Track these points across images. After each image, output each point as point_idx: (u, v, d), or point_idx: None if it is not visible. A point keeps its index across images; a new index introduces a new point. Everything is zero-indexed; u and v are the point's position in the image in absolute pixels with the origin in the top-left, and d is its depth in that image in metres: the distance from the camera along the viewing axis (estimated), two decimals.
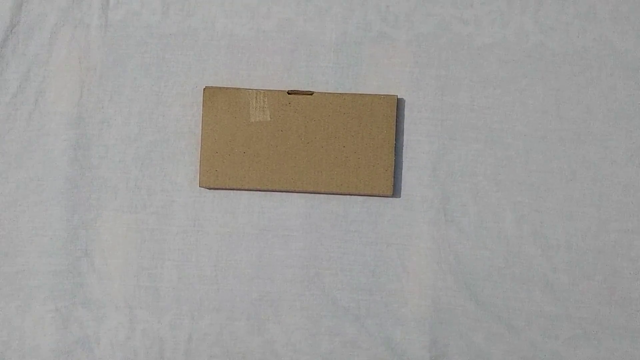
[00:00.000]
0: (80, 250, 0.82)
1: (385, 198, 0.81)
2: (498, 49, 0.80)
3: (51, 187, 0.82)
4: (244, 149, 0.79)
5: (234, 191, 0.81)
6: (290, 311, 0.81)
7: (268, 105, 0.79)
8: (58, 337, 0.82)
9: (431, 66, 0.80)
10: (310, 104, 0.79)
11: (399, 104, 0.80)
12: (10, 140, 0.82)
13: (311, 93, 0.79)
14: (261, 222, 0.81)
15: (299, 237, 0.81)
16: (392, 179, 0.78)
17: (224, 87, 0.79)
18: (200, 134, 0.80)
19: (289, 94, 0.79)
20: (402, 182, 0.80)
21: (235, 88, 0.79)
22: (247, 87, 0.80)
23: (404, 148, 0.80)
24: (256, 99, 0.79)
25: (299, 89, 0.80)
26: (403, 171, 0.80)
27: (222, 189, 0.81)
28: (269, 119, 0.79)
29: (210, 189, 0.81)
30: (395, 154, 0.79)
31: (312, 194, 0.81)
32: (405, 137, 0.80)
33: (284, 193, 0.81)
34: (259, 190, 0.81)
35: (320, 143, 0.78)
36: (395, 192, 0.80)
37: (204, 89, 0.79)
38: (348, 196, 0.81)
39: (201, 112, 0.80)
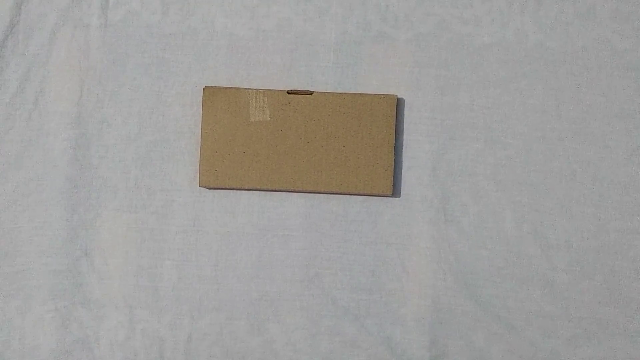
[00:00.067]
0: (80, 250, 0.82)
1: (385, 198, 0.81)
2: (498, 49, 0.80)
3: (51, 187, 0.82)
4: (243, 148, 0.79)
5: (234, 191, 0.81)
6: (290, 311, 0.81)
7: (268, 105, 0.79)
8: (58, 337, 0.82)
9: (431, 66, 0.80)
10: (310, 103, 0.79)
11: (399, 103, 0.80)
12: (10, 140, 0.82)
13: (311, 93, 0.79)
14: (261, 221, 0.81)
15: (299, 237, 0.81)
16: (392, 179, 0.78)
17: (223, 87, 0.79)
18: (200, 134, 0.80)
19: (288, 93, 0.79)
20: (402, 181, 0.80)
21: (235, 88, 0.79)
22: (247, 87, 0.81)
23: (403, 148, 0.80)
24: (256, 98, 0.79)
25: (299, 89, 0.80)
26: (403, 171, 0.80)
27: (222, 188, 0.81)
28: (269, 118, 0.79)
29: (210, 188, 0.81)
30: (395, 154, 0.79)
31: (312, 194, 0.81)
32: (405, 136, 0.80)
33: (284, 193, 0.81)
34: (259, 190, 0.81)
35: (320, 143, 0.78)
36: (395, 191, 0.80)
37: (204, 88, 0.79)
38: (348, 196, 0.81)
39: (201, 112, 0.80)
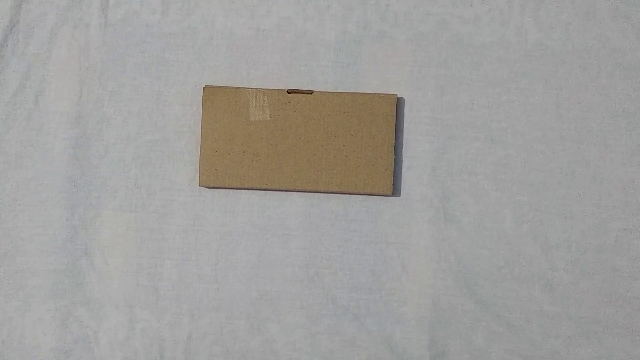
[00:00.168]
0: (80, 250, 0.82)
1: (385, 197, 0.81)
2: (498, 48, 0.80)
3: (51, 187, 0.82)
4: (243, 148, 0.79)
5: (234, 190, 0.81)
6: (290, 310, 0.81)
7: (268, 104, 0.79)
8: (58, 336, 0.82)
9: (431, 65, 0.80)
10: (309, 103, 0.79)
11: (399, 103, 0.80)
12: (10, 139, 0.82)
13: (311, 92, 0.79)
14: (261, 221, 0.81)
15: (299, 236, 0.81)
16: (392, 178, 0.78)
17: (223, 86, 0.79)
18: (199, 133, 0.80)
19: (288, 93, 0.79)
20: (402, 181, 0.80)
21: (234, 87, 0.79)
22: (247, 86, 0.81)
23: (403, 147, 0.80)
24: (256, 98, 0.79)
25: (299, 88, 0.80)
26: (403, 170, 0.80)
27: (222, 188, 0.81)
28: (269, 118, 0.79)
29: (210, 188, 0.81)
30: (395, 153, 0.79)
31: (312, 193, 0.81)
32: (405, 136, 0.80)
33: (284, 192, 0.81)
34: (259, 190, 0.81)
35: (320, 142, 0.78)
36: (395, 191, 0.80)
37: (204, 88, 0.79)
38: (348, 195, 0.81)
39: (201, 111, 0.80)
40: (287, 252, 0.81)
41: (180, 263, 0.81)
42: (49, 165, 0.82)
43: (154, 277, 0.81)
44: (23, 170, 0.82)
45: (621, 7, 0.80)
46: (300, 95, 0.79)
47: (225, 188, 0.81)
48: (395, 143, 0.79)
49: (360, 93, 0.79)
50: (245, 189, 0.80)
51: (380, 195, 0.80)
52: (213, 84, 0.81)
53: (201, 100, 0.80)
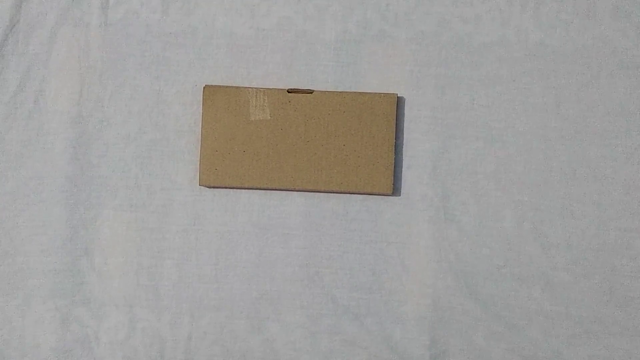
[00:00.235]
0: (80, 249, 0.82)
1: (385, 196, 0.80)
2: (498, 48, 0.80)
3: (51, 186, 0.82)
4: (243, 147, 0.79)
5: (234, 190, 0.81)
6: (290, 310, 0.81)
7: (268, 103, 0.79)
8: (58, 336, 0.82)
9: (431, 64, 0.80)
10: (310, 102, 0.79)
11: (399, 102, 0.80)
12: (11, 139, 0.82)
13: (311, 91, 0.79)
14: (261, 220, 0.81)
15: (299, 236, 0.81)
16: (392, 178, 0.78)
17: (223, 86, 0.79)
18: (200, 133, 0.80)
19: (288, 92, 0.79)
20: (402, 180, 0.80)
21: (235, 86, 0.79)
22: (247, 86, 0.81)
23: (404, 146, 0.80)
24: (256, 97, 0.79)
25: (299, 88, 0.80)
26: (403, 170, 0.80)
27: (222, 187, 0.81)
28: (269, 117, 0.79)
29: (210, 187, 0.81)
30: (395, 153, 0.79)
31: (312, 193, 0.81)
32: (405, 135, 0.80)
33: (284, 192, 0.81)
34: (259, 189, 0.81)
35: (320, 141, 0.78)
36: (395, 190, 0.80)
37: (204, 87, 0.79)
38: (348, 195, 0.81)
39: (201, 111, 0.80)
40: (287, 252, 0.81)
41: (180, 262, 0.81)
42: (49, 164, 0.82)
43: (154, 277, 0.81)
44: (23, 170, 0.82)
45: (621, 6, 0.80)
46: (300, 95, 0.79)
47: (226, 187, 0.81)
48: (395, 142, 0.79)
49: (360, 92, 0.79)
50: (245, 188, 0.80)
51: (380, 195, 0.80)
52: (213, 84, 0.81)
53: (201, 99, 0.80)
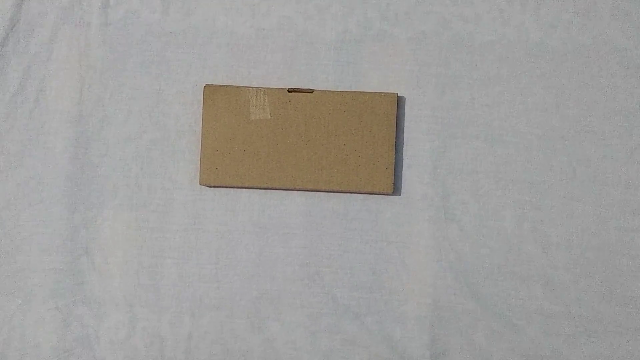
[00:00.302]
0: (81, 249, 0.82)
1: (386, 196, 0.81)
2: (498, 47, 0.80)
3: (51, 186, 0.82)
4: (244, 147, 0.79)
5: (234, 189, 0.81)
6: (291, 309, 0.81)
7: (268, 103, 0.79)
8: (58, 335, 0.82)
9: (431, 64, 0.80)
10: (310, 102, 0.79)
11: (400, 101, 0.80)
12: (11, 138, 0.82)
13: (311, 91, 0.79)
14: (261, 220, 0.81)
15: (299, 235, 0.81)
16: (393, 177, 0.78)
17: (224, 85, 0.79)
18: (200, 132, 0.80)
19: (289, 92, 0.79)
20: (403, 180, 0.80)
21: (235, 86, 0.79)
22: (248, 85, 0.81)
23: (404, 146, 0.80)
24: (256, 97, 0.79)
25: (299, 87, 0.80)
26: (403, 169, 0.80)
27: (223, 187, 0.81)
28: (269, 117, 0.79)
29: (210, 187, 0.81)
30: (395, 152, 0.79)
31: (313, 192, 0.81)
32: (405, 134, 0.80)
33: (284, 191, 0.81)
34: (259, 188, 0.81)
35: (321, 141, 0.78)
36: (396, 190, 0.80)
37: (204, 87, 0.79)
38: (348, 194, 0.81)
39: (201, 110, 0.80)
40: (288, 251, 0.81)
41: (180, 262, 0.81)
42: (49, 164, 0.82)
43: (155, 276, 0.82)
44: (24, 169, 0.82)
45: (621, 5, 0.80)
46: (300, 94, 0.79)
47: (226, 187, 0.81)
48: (395, 142, 0.79)
49: (360, 92, 0.79)
50: (245, 187, 0.81)
51: (380, 194, 0.80)
52: (214, 83, 0.81)
53: (202, 99, 0.80)
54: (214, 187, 0.81)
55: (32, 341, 0.82)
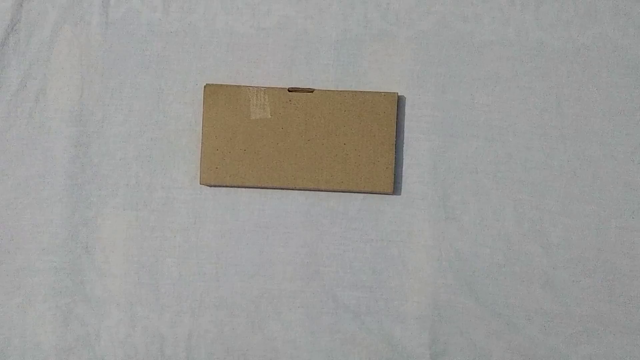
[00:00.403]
0: (81, 248, 0.82)
1: (386, 195, 0.81)
2: (498, 47, 0.80)
3: (52, 185, 0.82)
4: (244, 146, 0.79)
5: (235, 188, 0.81)
6: (291, 308, 0.81)
7: (268, 102, 0.79)
8: (59, 334, 0.82)
9: (432, 64, 0.80)
10: (310, 101, 0.79)
11: (400, 101, 0.80)
12: (11, 137, 0.82)
13: (312, 90, 0.79)
14: (261, 219, 0.81)
15: (299, 235, 0.81)
16: (393, 177, 0.78)
17: (224, 85, 0.79)
18: (200, 132, 0.81)
19: (289, 91, 0.79)
20: (403, 179, 0.80)
21: (235, 85, 0.79)
22: (248, 85, 0.81)
23: (404, 145, 0.80)
24: (257, 96, 0.79)
25: (300, 87, 0.80)
26: (403, 168, 0.80)
27: (223, 186, 0.81)
28: (270, 116, 0.79)
29: (210, 186, 0.81)
30: (395, 152, 0.79)
31: (313, 192, 0.81)
32: (405, 134, 0.81)
33: (285, 190, 0.81)
34: (260, 188, 0.81)
35: (321, 140, 0.78)
36: (396, 189, 0.80)
37: (205, 86, 0.79)
38: (348, 193, 0.81)
39: (202, 110, 0.80)
40: (288, 250, 0.81)
41: (181, 261, 0.82)
42: (50, 163, 0.82)
43: (155, 275, 0.82)
44: (24, 168, 0.82)
45: (622, 5, 0.80)
46: (301, 94, 0.79)
47: (226, 186, 0.81)
48: (396, 141, 0.79)
49: (361, 91, 0.79)
50: (246, 187, 0.81)
51: (380, 194, 0.80)
52: (214, 82, 0.81)
53: (202, 98, 0.80)
54: (215, 186, 0.81)
55: (32, 340, 0.82)
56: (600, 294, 0.79)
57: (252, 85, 0.81)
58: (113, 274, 0.82)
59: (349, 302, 0.80)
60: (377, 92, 0.79)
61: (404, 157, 0.80)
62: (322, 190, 0.80)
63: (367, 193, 0.80)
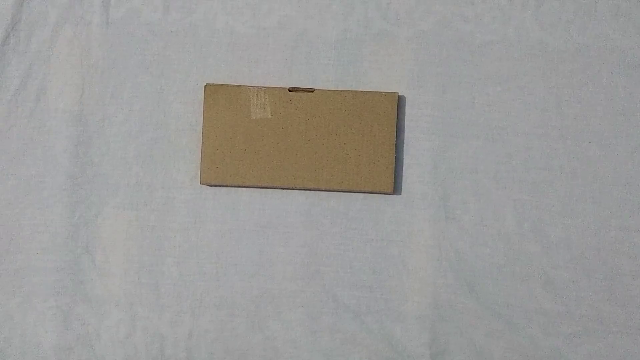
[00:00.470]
0: (81, 247, 0.82)
1: (386, 195, 0.81)
2: (499, 47, 0.80)
3: (52, 184, 0.82)
4: (244, 146, 0.79)
5: (235, 188, 0.81)
6: (291, 308, 0.81)
7: (269, 102, 0.79)
8: (59, 334, 0.82)
9: (432, 63, 0.80)
10: (311, 101, 0.79)
11: (400, 101, 0.80)
12: (12, 137, 0.82)
13: (312, 90, 0.79)
14: (262, 219, 0.81)
15: (300, 234, 0.81)
16: (393, 176, 0.78)
17: (225, 85, 0.79)
18: (201, 131, 0.81)
19: (289, 91, 0.79)
20: (403, 179, 0.80)
21: (236, 85, 0.79)
22: (248, 85, 0.81)
23: (404, 145, 0.81)
24: (257, 96, 0.79)
25: (300, 86, 0.80)
26: (404, 168, 0.80)
27: (223, 186, 0.81)
28: (270, 116, 0.79)
29: (211, 186, 0.81)
30: (395, 151, 0.79)
31: (313, 191, 0.81)
32: (405, 134, 0.81)
33: (285, 190, 0.81)
34: (260, 187, 0.81)
35: (321, 140, 0.78)
36: (396, 189, 0.80)
37: (205, 86, 0.79)
38: (349, 193, 0.81)
39: (202, 110, 0.80)
40: (288, 250, 0.81)
41: (181, 261, 0.82)
42: (50, 163, 0.82)
43: (155, 275, 0.82)
44: (24, 168, 0.82)
45: (622, 5, 0.80)
46: (301, 94, 0.79)
47: (227, 186, 0.81)
48: (396, 141, 0.79)
49: (361, 91, 0.79)
50: (246, 186, 0.81)
51: (381, 194, 0.80)
52: (214, 82, 0.81)
53: (202, 98, 0.80)
54: (215, 186, 0.81)
55: (32, 340, 0.82)
56: (601, 293, 0.79)
57: (252, 85, 0.81)
58: (113, 273, 0.82)
59: (349, 302, 0.80)
60: (377, 92, 0.79)
61: (404, 157, 0.81)
62: (322, 190, 0.80)
63: (367, 193, 0.80)
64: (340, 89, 0.80)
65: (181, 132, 0.82)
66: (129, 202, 0.82)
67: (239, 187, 0.81)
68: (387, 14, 0.81)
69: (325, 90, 0.79)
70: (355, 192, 0.81)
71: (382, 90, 0.80)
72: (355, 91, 0.79)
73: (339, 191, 0.80)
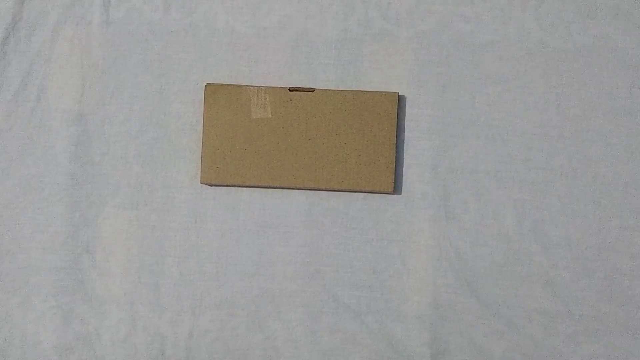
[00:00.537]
0: (82, 247, 0.82)
1: (386, 195, 0.81)
2: (499, 47, 0.80)
3: (52, 184, 0.82)
4: (245, 145, 0.79)
5: (235, 188, 0.81)
6: (291, 307, 0.81)
7: (269, 102, 0.79)
8: (59, 333, 0.82)
9: (432, 63, 0.80)
10: (311, 100, 0.79)
11: (400, 100, 0.80)
12: (12, 137, 0.83)
13: (312, 90, 0.79)
14: (262, 218, 0.81)
15: (300, 234, 0.81)
16: (393, 176, 0.78)
17: (225, 84, 0.80)
18: (201, 131, 0.81)
19: (290, 90, 0.79)
20: (403, 179, 0.81)
21: (236, 85, 0.79)
22: (249, 84, 0.81)
23: (404, 145, 0.81)
24: (257, 95, 0.79)
25: (300, 86, 0.80)
26: (404, 168, 0.81)
27: (224, 185, 0.81)
28: (270, 115, 0.79)
29: (211, 185, 0.81)
30: (396, 151, 0.79)
31: (313, 191, 0.81)
32: (406, 134, 0.81)
33: (285, 190, 0.81)
34: (260, 187, 0.81)
35: (321, 140, 0.79)
36: (396, 189, 0.80)
37: (206, 85, 0.80)
38: (349, 193, 0.81)
39: (202, 109, 0.80)
40: (288, 250, 0.81)
41: (181, 260, 0.82)
42: (50, 162, 0.82)
43: (155, 275, 0.82)
44: (25, 168, 0.82)
45: (622, 5, 0.80)
46: (301, 93, 0.79)
47: (227, 186, 0.81)
48: (396, 141, 0.79)
49: (361, 91, 0.79)
50: (246, 186, 0.81)
51: (381, 193, 0.80)
52: (215, 82, 0.81)
53: (203, 98, 0.81)
54: (215, 185, 0.81)
55: (32, 339, 0.82)
56: (601, 293, 0.79)
57: (252, 84, 0.81)
58: (113, 273, 0.82)
59: (349, 302, 0.80)
60: (377, 91, 0.79)
61: (404, 156, 0.81)
62: (322, 190, 0.80)
63: (367, 192, 0.80)
64: (340, 89, 0.80)
65: (181, 132, 0.82)
66: (129, 201, 0.82)
67: (239, 186, 0.81)
68: (387, 14, 0.81)
69: (326, 90, 0.79)
70: (355, 192, 0.81)
71: (382, 90, 0.80)
72: (356, 91, 0.79)
73: (339, 191, 0.80)
